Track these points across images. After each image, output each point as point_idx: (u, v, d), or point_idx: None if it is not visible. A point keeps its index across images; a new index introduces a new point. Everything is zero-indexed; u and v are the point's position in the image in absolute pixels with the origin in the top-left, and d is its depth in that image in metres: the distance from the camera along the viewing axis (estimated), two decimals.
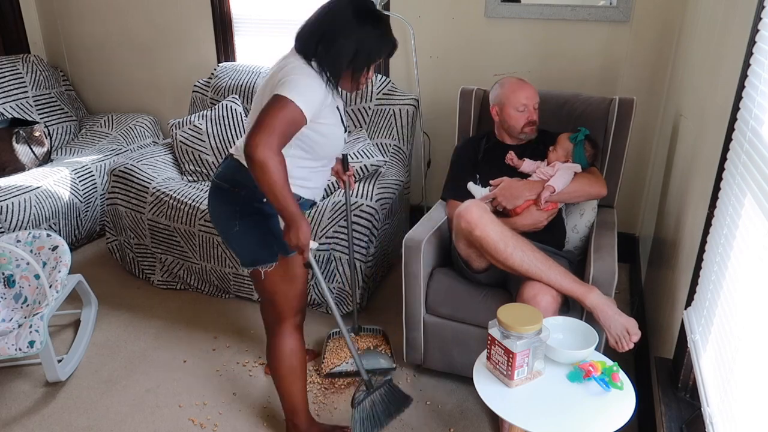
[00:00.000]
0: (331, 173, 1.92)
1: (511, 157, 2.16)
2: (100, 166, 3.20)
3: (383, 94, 2.92)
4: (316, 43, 1.55)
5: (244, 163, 1.54)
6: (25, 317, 2.16)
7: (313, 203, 1.78)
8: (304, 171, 1.66)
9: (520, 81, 2.19)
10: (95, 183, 3.16)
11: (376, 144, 2.88)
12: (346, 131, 1.74)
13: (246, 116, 3.01)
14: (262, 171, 1.40)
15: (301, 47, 1.57)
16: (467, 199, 2.02)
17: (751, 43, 1.29)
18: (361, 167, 2.60)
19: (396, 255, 2.04)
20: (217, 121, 2.93)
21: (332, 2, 1.59)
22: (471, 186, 2.17)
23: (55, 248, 2.27)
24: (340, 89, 1.65)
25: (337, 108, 1.67)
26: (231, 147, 2.91)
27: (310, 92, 1.49)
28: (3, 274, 2.24)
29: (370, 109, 2.94)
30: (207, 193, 2.69)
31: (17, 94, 3.36)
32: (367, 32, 1.55)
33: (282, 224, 1.55)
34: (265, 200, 1.59)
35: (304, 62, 1.55)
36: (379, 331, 2.33)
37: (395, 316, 2.01)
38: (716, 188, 1.41)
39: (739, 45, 1.42)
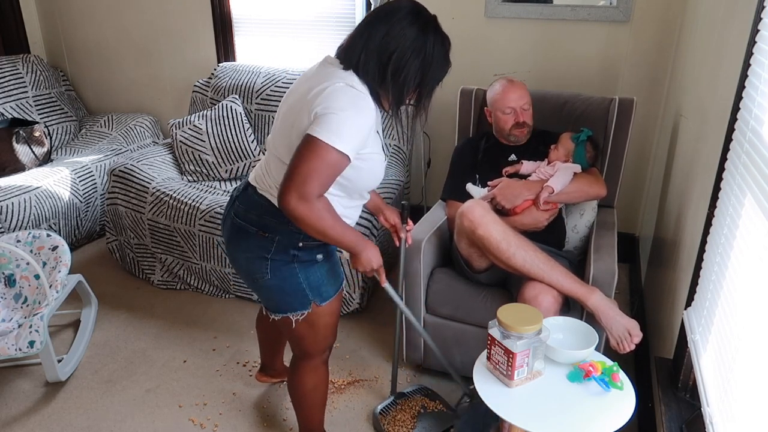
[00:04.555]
0: (386, 226, 1.79)
1: (507, 170, 2.16)
2: (100, 166, 3.20)
3: None
4: (383, 65, 1.33)
5: (273, 199, 1.42)
6: (25, 317, 2.16)
7: None
8: (338, 209, 1.45)
9: (509, 83, 2.19)
10: (95, 183, 3.16)
11: None
12: (386, 159, 1.51)
13: (246, 118, 3.01)
14: (304, 225, 1.29)
15: (363, 72, 1.34)
16: (467, 199, 2.02)
17: (751, 43, 1.29)
18: None
19: (396, 255, 2.03)
20: (217, 121, 2.93)
21: (386, 11, 1.35)
22: (470, 187, 2.17)
23: (55, 248, 2.27)
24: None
25: (377, 132, 1.45)
26: (234, 152, 2.92)
27: (353, 129, 1.28)
28: (3, 274, 2.24)
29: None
30: (208, 194, 2.71)
31: (17, 94, 3.36)
32: (436, 49, 1.36)
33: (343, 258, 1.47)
34: (302, 245, 1.46)
35: (351, 80, 1.33)
36: (420, 389, 2.10)
37: (395, 316, 2.02)
38: (716, 188, 1.41)
39: (739, 45, 1.42)
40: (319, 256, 1.52)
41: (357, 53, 1.35)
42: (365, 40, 1.35)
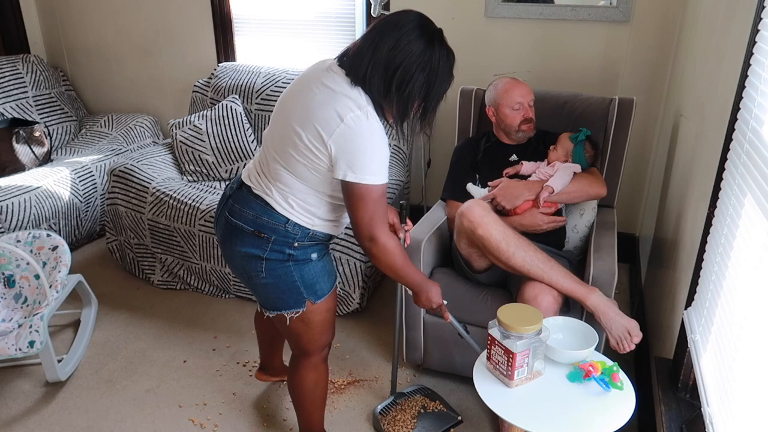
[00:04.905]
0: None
1: (507, 171, 2.16)
2: (100, 166, 3.20)
3: None
4: (388, 79, 1.34)
5: (273, 203, 1.45)
6: (25, 317, 2.16)
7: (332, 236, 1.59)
8: (340, 210, 1.52)
9: (513, 80, 2.20)
10: (95, 183, 3.16)
11: None
12: None
13: (246, 118, 3.01)
14: (381, 261, 1.45)
15: (368, 85, 1.36)
16: (467, 199, 2.02)
17: (751, 43, 1.29)
18: None
19: None
20: (217, 121, 2.93)
21: (393, 23, 1.35)
22: (470, 187, 2.17)
23: (55, 248, 2.27)
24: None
25: None
26: (234, 152, 2.92)
27: (382, 159, 1.36)
28: (3, 274, 2.24)
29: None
30: (208, 194, 2.71)
31: (17, 94, 3.36)
32: (441, 64, 1.37)
33: (410, 292, 1.60)
34: (297, 245, 1.48)
35: (361, 101, 1.35)
36: (420, 389, 2.10)
37: (395, 316, 2.01)
38: (716, 188, 1.41)
39: (739, 45, 1.42)
40: (314, 255, 1.53)
41: (364, 66, 1.35)
42: (372, 52, 1.34)
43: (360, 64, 1.35)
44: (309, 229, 1.49)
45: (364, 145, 1.34)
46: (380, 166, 1.36)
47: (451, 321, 1.72)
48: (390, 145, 2.87)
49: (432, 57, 1.35)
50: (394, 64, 1.33)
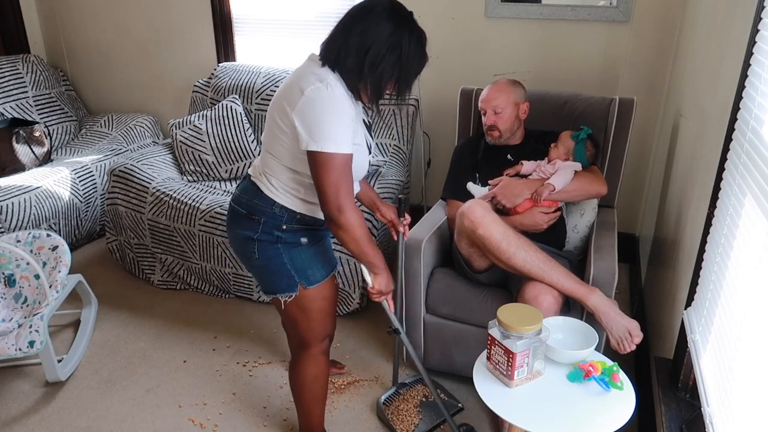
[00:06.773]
0: (383, 221, 1.86)
1: (508, 171, 2.16)
2: (100, 166, 3.20)
3: None
4: (360, 60, 1.41)
5: (262, 187, 1.54)
6: (25, 317, 2.16)
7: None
8: None
9: (491, 84, 2.21)
10: (95, 183, 3.16)
11: (376, 144, 2.88)
12: (370, 152, 1.61)
13: (246, 118, 3.01)
14: (348, 233, 1.45)
15: (342, 68, 1.42)
16: (467, 198, 2.02)
17: (751, 43, 1.29)
18: None
19: (395, 253, 2.04)
20: (217, 121, 2.93)
21: (364, 10, 1.42)
22: (470, 186, 2.17)
23: (55, 248, 2.27)
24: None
25: (363, 122, 1.56)
26: (234, 152, 2.92)
27: (341, 129, 1.39)
28: (3, 274, 2.24)
29: (369, 108, 2.93)
30: (208, 194, 2.71)
31: (17, 94, 3.36)
32: (412, 45, 1.42)
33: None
34: (285, 227, 1.55)
35: (326, 76, 1.41)
36: (421, 380, 2.12)
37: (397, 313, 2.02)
38: (716, 188, 1.41)
39: (739, 45, 1.42)
40: (304, 240, 1.58)
41: (335, 50, 1.42)
42: (344, 37, 1.42)
43: (332, 49, 1.43)
44: (295, 212, 1.55)
45: (324, 113, 1.38)
46: (342, 135, 1.39)
47: (392, 316, 1.75)
48: (390, 145, 2.88)
49: (402, 38, 1.41)
50: (365, 46, 1.40)
